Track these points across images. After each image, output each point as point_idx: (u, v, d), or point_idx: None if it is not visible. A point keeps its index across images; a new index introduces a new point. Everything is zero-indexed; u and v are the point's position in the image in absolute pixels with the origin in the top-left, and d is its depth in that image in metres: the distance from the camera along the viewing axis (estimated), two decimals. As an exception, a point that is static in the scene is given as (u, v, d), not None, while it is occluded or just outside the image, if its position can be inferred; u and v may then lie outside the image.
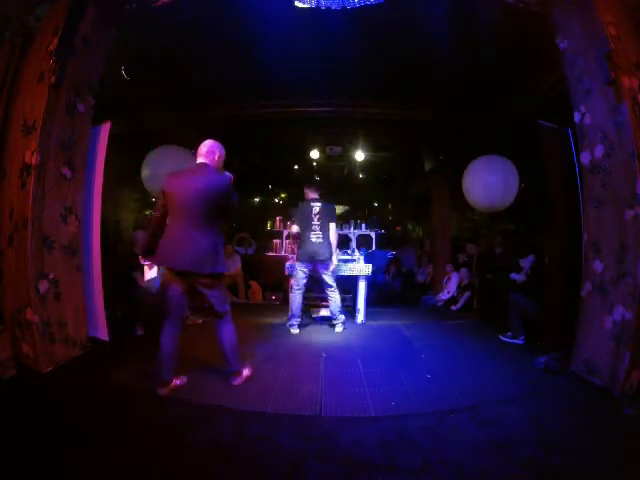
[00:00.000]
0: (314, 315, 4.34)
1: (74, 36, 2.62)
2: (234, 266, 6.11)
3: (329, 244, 3.78)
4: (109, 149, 3.14)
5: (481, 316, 4.74)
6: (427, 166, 6.82)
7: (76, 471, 1.55)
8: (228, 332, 2.39)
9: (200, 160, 2.37)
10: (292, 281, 3.93)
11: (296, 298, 3.83)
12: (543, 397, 2.34)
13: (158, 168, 4.92)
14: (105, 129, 3.17)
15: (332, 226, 3.82)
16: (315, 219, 3.75)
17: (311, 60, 3.82)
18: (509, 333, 3.59)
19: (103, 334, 3.09)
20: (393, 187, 10.53)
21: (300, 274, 3.80)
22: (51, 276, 2.61)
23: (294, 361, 2.91)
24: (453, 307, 5.32)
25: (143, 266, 3.64)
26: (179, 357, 2.71)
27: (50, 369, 2.51)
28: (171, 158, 4.97)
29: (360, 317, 4.25)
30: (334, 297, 3.84)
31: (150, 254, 2.42)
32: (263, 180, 10.23)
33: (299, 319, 3.85)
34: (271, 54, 3.55)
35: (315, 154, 7.13)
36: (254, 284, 6.42)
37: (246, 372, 2.54)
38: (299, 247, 3.83)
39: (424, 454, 1.70)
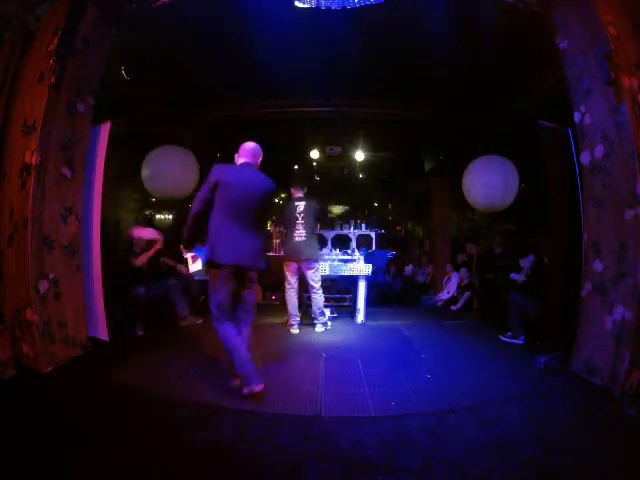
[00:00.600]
0: (313, 315, 4.33)
1: (74, 36, 2.62)
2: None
3: (314, 243, 3.76)
4: (109, 149, 3.14)
5: (481, 316, 4.74)
6: (427, 166, 6.81)
7: (76, 471, 1.55)
8: (248, 326, 2.42)
9: (246, 160, 2.42)
10: (285, 281, 3.94)
11: (290, 297, 3.84)
12: (543, 397, 2.34)
13: (158, 168, 4.92)
14: (105, 129, 3.17)
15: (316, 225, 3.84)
16: (299, 218, 3.73)
17: (311, 60, 3.82)
18: (509, 333, 3.59)
19: (103, 334, 3.09)
20: (393, 187, 10.53)
21: (287, 274, 3.82)
22: (51, 276, 2.61)
23: (294, 361, 2.91)
24: (453, 307, 5.32)
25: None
26: (180, 356, 2.72)
27: (50, 369, 2.51)
28: (171, 158, 4.98)
29: (360, 317, 4.25)
30: (315, 298, 3.82)
31: (192, 245, 2.46)
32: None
33: (297, 318, 3.85)
34: (271, 54, 3.55)
35: (315, 154, 7.13)
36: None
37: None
38: (284, 246, 3.86)
39: (424, 454, 1.70)
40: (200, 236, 2.39)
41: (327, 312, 3.97)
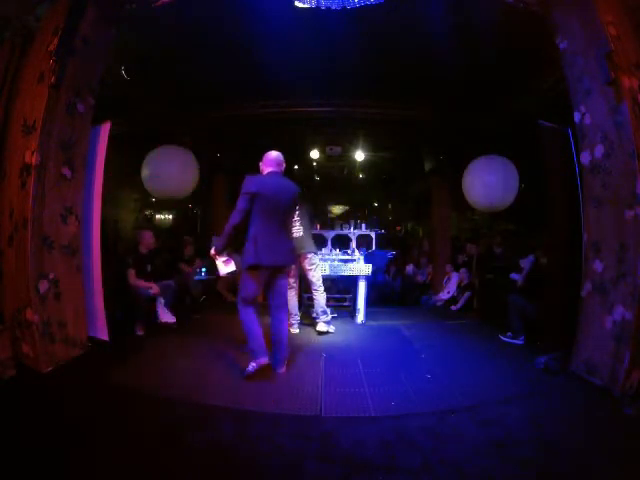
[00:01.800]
0: (314, 315, 4.33)
1: (74, 36, 2.62)
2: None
3: (309, 238, 3.76)
4: (109, 149, 3.14)
5: (481, 316, 4.74)
6: (427, 166, 6.81)
7: (76, 471, 1.55)
8: (285, 317, 2.79)
9: (272, 169, 2.70)
10: None
11: (289, 297, 3.76)
12: (543, 397, 2.34)
13: (158, 168, 4.93)
14: (105, 129, 3.17)
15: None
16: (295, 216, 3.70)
17: (311, 60, 3.81)
18: (509, 333, 3.59)
19: (103, 334, 3.09)
20: (393, 187, 10.53)
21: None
22: (51, 276, 2.61)
23: (294, 361, 2.90)
24: (453, 307, 5.31)
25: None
26: (180, 356, 2.72)
27: (50, 369, 2.51)
28: (171, 158, 4.98)
29: (360, 317, 4.25)
30: (317, 297, 3.79)
31: (224, 250, 2.72)
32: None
33: (297, 317, 3.85)
34: (271, 54, 3.55)
35: (315, 154, 7.13)
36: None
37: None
38: None
39: (424, 454, 1.70)
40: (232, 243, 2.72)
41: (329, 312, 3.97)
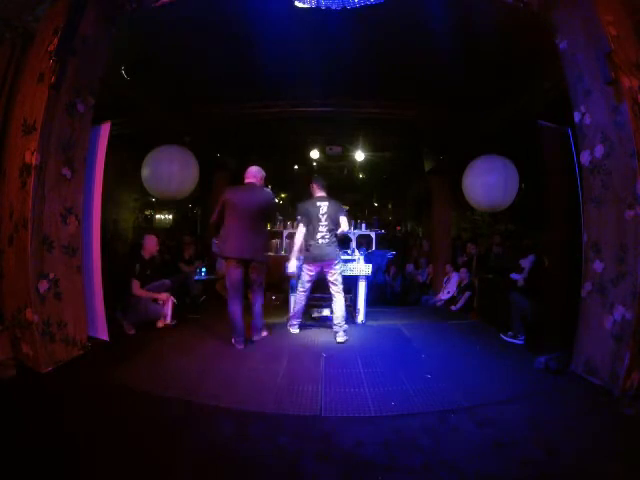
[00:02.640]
0: (314, 315, 4.34)
1: (74, 36, 2.61)
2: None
3: (336, 245, 3.63)
4: (109, 149, 3.14)
5: (481, 316, 4.74)
6: (427, 166, 6.82)
7: (76, 471, 1.55)
8: (260, 299, 3.40)
9: (250, 180, 3.37)
10: (297, 283, 3.76)
11: (299, 300, 3.71)
12: (543, 397, 2.34)
13: (158, 168, 4.93)
14: (105, 129, 3.17)
15: (343, 220, 3.62)
16: (322, 219, 3.54)
17: (311, 60, 3.81)
18: (510, 332, 3.59)
19: (103, 334, 3.09)
20: (393, 187, 10.54)
21: (305, 277, 3.61)
22: (51, 276, 2.60)
23: (294, 361, 2.91)
24: (453, 307, 5.31)
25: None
26: (181, 356, 2.72)
27: (50, 369, 2.50)
28: (171, 158, 4.98)
29: (360, 317, 4.25)
30: (338, 298, 3.57)
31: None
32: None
33: (299, 319, 3.82)
34: (271, 54, 3.54)
35: (315, 154, 7.14)
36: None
37: (264, 333, 3.51)
38: (306, 249, 3.61)
39: (424, 454, 1.70)
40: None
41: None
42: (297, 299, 3.75)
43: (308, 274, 3.61)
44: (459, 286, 5.52)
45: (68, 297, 2.74)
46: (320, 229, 3.53)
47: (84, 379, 2.44)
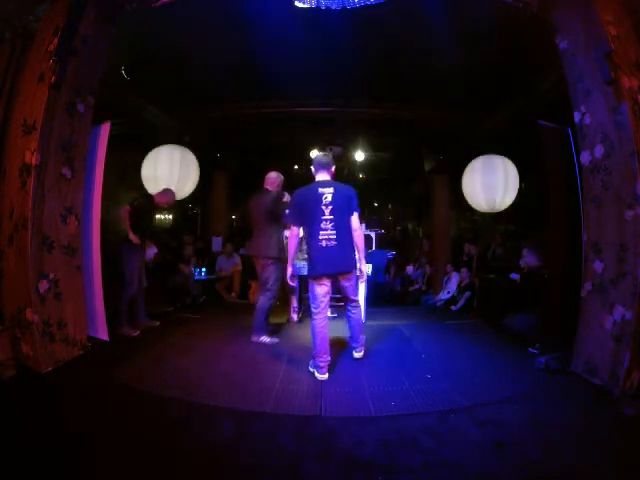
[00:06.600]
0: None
1: (74, 36, 2.62)
2: (233, 265, 6.13)
3: (352, 248, 2.66)
4: (109, 149, 3.14)
5: (481, 316, 4.74)
6: (427, 166, 6.82)
7: (76, 471, 1.55)
8: (261, 298, 3.44)
9: (266, 187, 3.52)
10: (311, 305, 2.71)
11: (319, 326, 2.58)
12: (543, 397, 2.34)
13: (158, 168, 4.92)
14: (105, 129, 3.17)
15: (354, 219, 2.65)
16: (326, 212, 2.56)
17: (311, 60, 3.81)
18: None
19: (103, 334, 3.09)
20: (393, 187, 10.54)
21: (319, 290, 2.61)
22: (51, 276, 2.60)
23: (294, 361, 2.90)
24: (453, 307, 5.31)
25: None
26: (181, 356, 2.70)
27: (50, 369, 2.50)
28: (171, 158, 4.98)
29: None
30: (355, 313, 2.83)
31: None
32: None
33: (328, 357, 2.57)
34: (271, 54, 3.55)
35: (315, 154, 7.13)
36: (254, 284, 6.40)
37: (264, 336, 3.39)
38: (307, 256, 2.75)
39: (424, 454, 1.69)
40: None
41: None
42: (315, 326, 2.60)
43: (320, 290, 2.62)
44: (459, 286, 5.52)
45: (68, 297, 2.74)
46: (323, 226, 2.56)
47: (84, 379, 2.44)
